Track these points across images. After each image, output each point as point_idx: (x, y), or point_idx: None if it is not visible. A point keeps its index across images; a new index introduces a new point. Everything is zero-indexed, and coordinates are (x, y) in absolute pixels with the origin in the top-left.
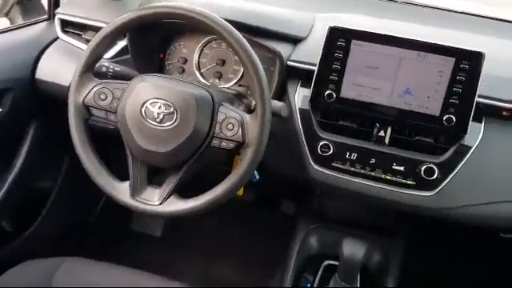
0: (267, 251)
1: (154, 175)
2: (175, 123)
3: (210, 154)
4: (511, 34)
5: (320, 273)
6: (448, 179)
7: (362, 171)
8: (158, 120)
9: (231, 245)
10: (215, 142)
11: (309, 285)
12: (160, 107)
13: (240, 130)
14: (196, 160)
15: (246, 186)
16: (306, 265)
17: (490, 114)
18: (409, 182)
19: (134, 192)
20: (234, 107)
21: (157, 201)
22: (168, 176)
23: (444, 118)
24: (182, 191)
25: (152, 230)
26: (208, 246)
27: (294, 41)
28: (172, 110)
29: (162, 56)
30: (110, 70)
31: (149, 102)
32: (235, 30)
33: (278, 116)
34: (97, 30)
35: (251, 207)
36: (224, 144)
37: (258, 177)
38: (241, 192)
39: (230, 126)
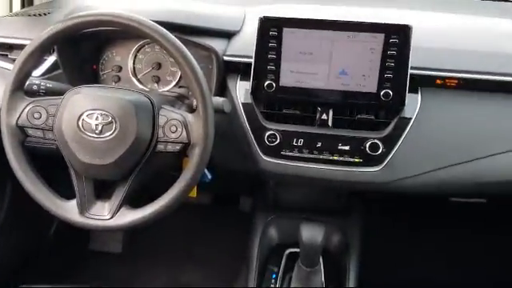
0: (231, 250)
1: (102, 189)
2: (115, 133)
3: (157, 160)
4: (436, 6)
5: (283, 262)
6: (393, 152)
7: (310, 156)
8: (96, 132)
9: (195, 250)
10: (160, 147)
11: (274, 275)
12: (97, 118)
13: (184, 130)
14: (143, 168)
15: (200, 186)
16: (268, 257)
17: (425, 84)
18: (356, 160)
19: (83, 209)
20: (175, 109)
21: (107, 215)
22: (116, 188)
23: (381, 94)
24: (136, 201)
25: (112, 246)
26: (171, 254)
27: (228, 36)
28: (110, 119)
29: (95, 67)
30: (42, 87)
31: (85, 114)
32: (166, 32)
33: (221, 112)
34: (23, 48)
35: (210, 209)
36: (170, 147)
37: (210, 176)
38: (194, 193)
39: (173, 128)
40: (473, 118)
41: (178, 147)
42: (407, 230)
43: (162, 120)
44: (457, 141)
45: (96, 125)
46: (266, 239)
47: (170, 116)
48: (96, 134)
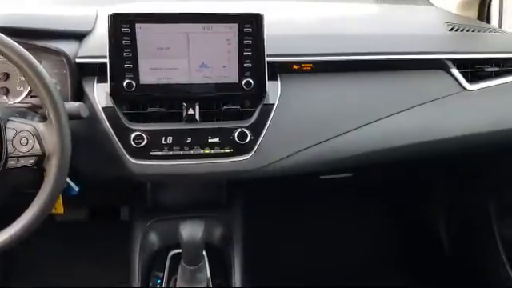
0: (114, 264)
1: None
2: None
3: (12, 178)
4: None
5: (167, 265)
6: (260, 139)
7: (181, 152)
8: None
9: (75, 270)
10: (12, 163)
11: (159, 280)
12: None
13: (36, 142)
14: None
15: (68, 200)
16: (152, 263)
17: (283, 70)
18: (227, 151)
19: None
20: (24, 120)
21: None
22: None
23: (243, 83)
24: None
25: None
26: (53, 278)
27: (79, 37)
28: None
29: None
30: None
31: None
32: (3, 37)
33: (78, 118)
34: None
35: (88, 225)
36: (22, 162)
37: (77, 189)
38: (61, 209)
39: (23, 141)
40: (329, 99)
41: (31, 161)
42: (286, 213)
43: (10, 133)
44: (317, 121)
45: None
46: (148, 245)
47: (19, 128)
48: None
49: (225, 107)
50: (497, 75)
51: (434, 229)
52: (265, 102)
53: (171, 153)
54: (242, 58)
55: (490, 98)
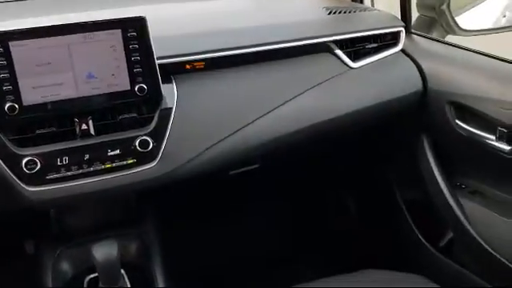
0: None
1: None
2: None
3: None
4: None
5: None
6: (164, 144)
7: (81, 171)
8: None
9: None
10: None
11: None
12: None
13: None
14: None
15: None
16: None
17: (177, 71)
18: (130, 162)
19: None
20: None
21: None
22: None
23: (136, 89)
24: None
25: None
26: None
27: None
28: None
29: None
30: None
31: None
32: None
33: None
34: None
35: None
36: None
37: None
38: None
39: None
40: (225, 94)
41: None
42: (202, 216)
43: None
44: (217, 118)
45: None
46: (60, 275)
47: None
48: None
49: (121, 117)
50: (376, 51)
51: (342, 206)
52: (163, 107)
53: (69, 173)
54: (130, 64)
55: (374, 72)
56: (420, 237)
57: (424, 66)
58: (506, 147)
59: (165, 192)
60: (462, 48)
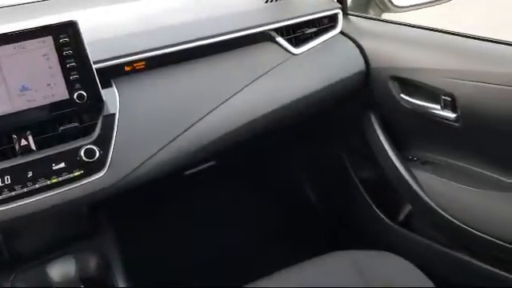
0: None
1: None
2: None
3: None
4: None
5: None
6: (111, 152)
7: (25, 190)
8: None
9: None
10: None
11: None
12: None
13: None
14: None
15: None
16: None
17: (116, 74)
18: (76, 174)
19: None
20: None
21: None
22: None
23: (75, 97)
24: None
25: None
26: None
27: None
28: None
29: None
30: None
31: None
32: None
33: None
34: None
35: None
36: None
37: None
38: None
39: None
40: (173, 92)
41: None
42: (161, 220)
43: None
44: (166, 117)
45: None
46: None
47: None
48: None
49: (62, 128)
50: (317, 35)
51: (301, 192)
52: (105, 113)
53: (13, 193)
54: (66, 72)
55: (316, 56)
56: (379, 213)
57: (364, 45)
58: (452, 115)
59: (119, 199)
60: (399, 24)
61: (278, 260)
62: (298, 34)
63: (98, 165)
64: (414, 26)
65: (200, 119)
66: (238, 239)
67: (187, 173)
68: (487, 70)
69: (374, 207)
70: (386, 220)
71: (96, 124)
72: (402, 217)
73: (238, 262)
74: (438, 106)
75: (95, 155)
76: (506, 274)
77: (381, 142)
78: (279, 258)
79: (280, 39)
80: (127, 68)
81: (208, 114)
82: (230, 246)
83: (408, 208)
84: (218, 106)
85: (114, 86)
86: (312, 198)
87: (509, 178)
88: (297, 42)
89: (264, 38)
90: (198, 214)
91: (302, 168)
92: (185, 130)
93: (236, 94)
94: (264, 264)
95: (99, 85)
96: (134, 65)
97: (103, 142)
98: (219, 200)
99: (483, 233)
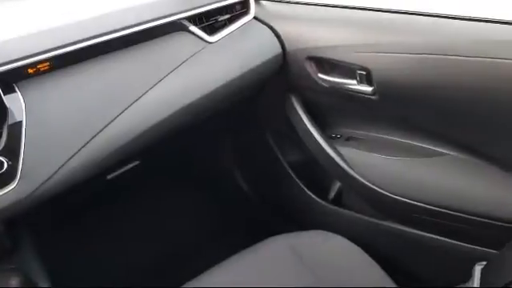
0: None
1: None
2: None
3: None
4: None
5: None
6: (20, 162)
7: None
8: None
9: None
10: None
11: None
12: None
13: None
14: None
15: None
16: None
17: (19, 78)
18: None
19: None
20: None
21: None
22: None
23: None
24: None
25: None
26: None
27: None
28: None
29: None
30: None
31: None
32: None
33: None
34: None
35: None
36: None
37: None
38: None
39: None
40: (83, 92)
41: None
42: (88, 228)
43: None
44: (79, 120)
45: None
46: None
47: None
48: None
49: None
50: (230, 22)
51: (233, 182)
52: (10, 121)
53: None
54: None
55: (232, 44)
56: (310, 193)
57: (278, 29)
58: (368, 88)
59: (38, 211)
60: (310, 4)
61: (215, 256)
62: (211, 21)
63: (8, 177)
64: (324, 5)
65: (113, 120)
66: (172, 238)
67: (111, 176)
68: (399, 41)
69: (305, 188)
70: (318, 199)
71: (1, 134)
72: (332, 195)
73: (174, 262)
74: (355, 81)
75: (3, 167)
76: (437, 237)
77: (304, 123)
78: (216, 253)
79: (193, 28)
80: (31, 70)
81: (122, 113)
82: (164, 247)
83: (337, 185)
84: (131, 104)
85: (17, 91)
86: (244, 187)
87: (429, 143)
88: (211, 31)
89: (176, 27)
90: (128, 217)
91: (232, 158)
92: (98, 132)
93: (151, 88)
94: (201, 261)
95: (0, 91)
96: (38, 66)
97: (11, 152)
98: (148, 200)
99: (412, 199)
